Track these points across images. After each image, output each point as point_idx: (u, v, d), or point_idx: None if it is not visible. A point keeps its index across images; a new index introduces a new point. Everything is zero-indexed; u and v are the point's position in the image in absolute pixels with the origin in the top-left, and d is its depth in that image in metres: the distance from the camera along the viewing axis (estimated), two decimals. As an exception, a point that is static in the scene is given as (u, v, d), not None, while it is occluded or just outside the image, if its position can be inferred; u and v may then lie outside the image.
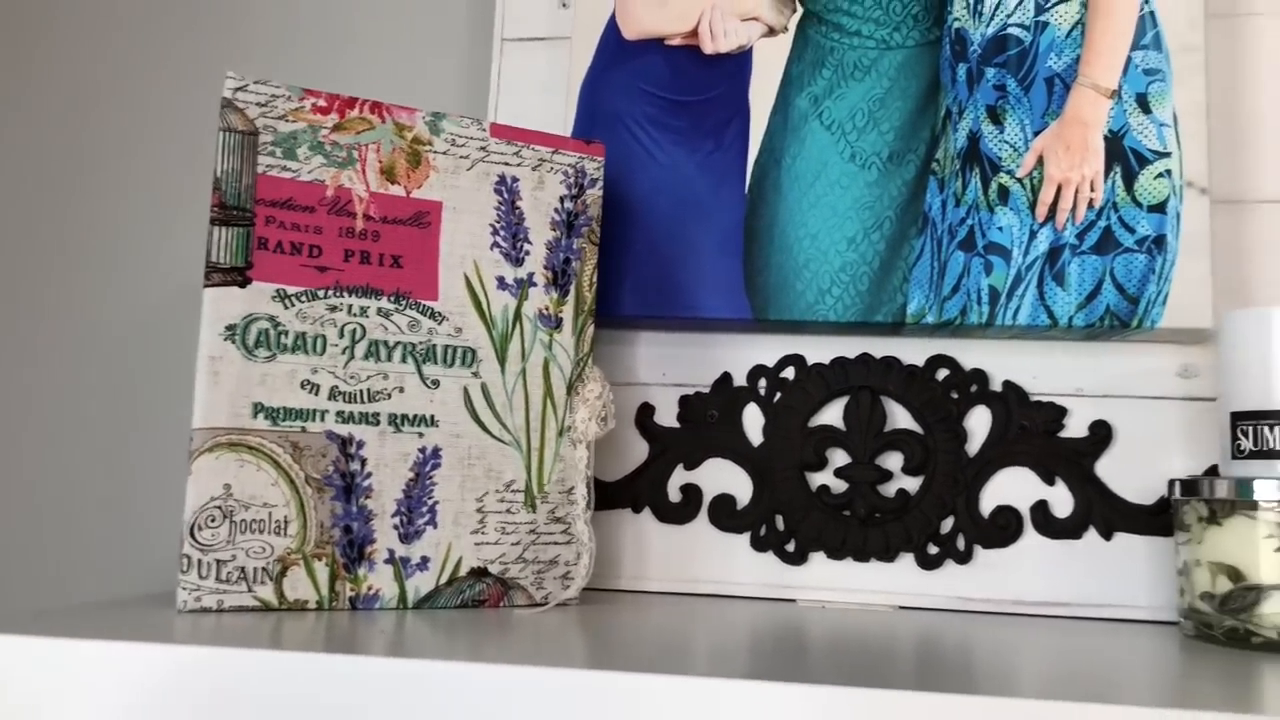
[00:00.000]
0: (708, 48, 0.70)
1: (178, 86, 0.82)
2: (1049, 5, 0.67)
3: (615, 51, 0.71)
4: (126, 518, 0.78)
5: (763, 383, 0.69)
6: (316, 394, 0.54)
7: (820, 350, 0.69)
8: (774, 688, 0.39)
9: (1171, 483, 0.57)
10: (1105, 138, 0.65)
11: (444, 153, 0.58)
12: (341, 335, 0.54)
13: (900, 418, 0.68)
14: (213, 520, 0.51)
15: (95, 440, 0.79)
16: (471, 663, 0.41)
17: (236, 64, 0.81)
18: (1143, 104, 0.65)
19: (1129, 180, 0.64)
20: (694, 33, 0.70)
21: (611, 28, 0.71)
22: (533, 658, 0.42)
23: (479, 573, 0.57)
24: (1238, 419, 0.55)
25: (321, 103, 0.55)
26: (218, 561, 0.51)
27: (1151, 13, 0.66)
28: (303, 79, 0.80)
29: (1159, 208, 0.64)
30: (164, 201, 0.81)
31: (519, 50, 0.75)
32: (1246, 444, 0.54)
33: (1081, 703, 0.38)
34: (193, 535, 0.51)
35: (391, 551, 0.55)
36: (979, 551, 0.65)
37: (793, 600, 0.67)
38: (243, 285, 0.53)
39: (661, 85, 0.70)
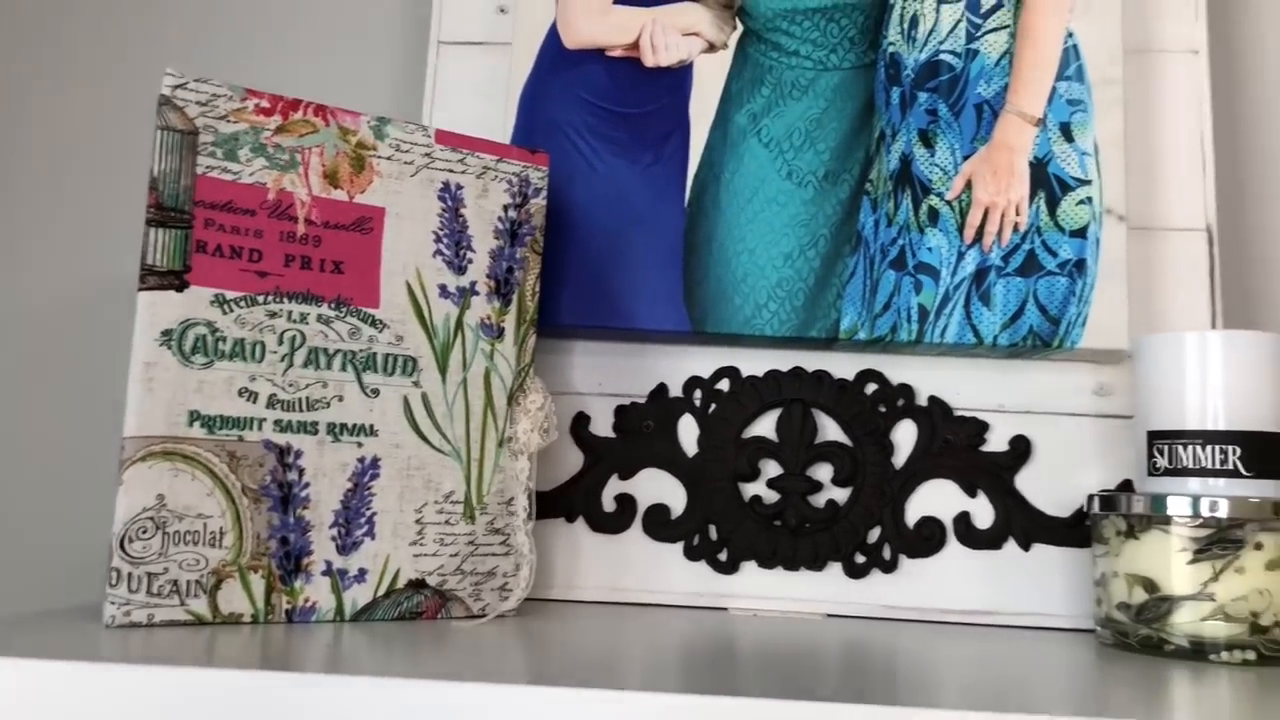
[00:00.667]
0: (649, 61, 0.70)
1: (108, 82, 0.79)
2: (980, 34, 0.69)
3: (556, 60, 0.71)
4: (50, 527, 0.75)
5: (698, 394, 0.70)
6: (254, 402, 0.52)
7: (754, 363, 0.70)
8: (707, 701, 0.40)
9: (1090, 498, 0.60)
10: (1030, 164, 0.67)
11: (388, 158, 0.57)
12: (281, 342, 0.53)
13: (830, 430, 0.69)
14: (144, 532, 0.49)
15: (21, 444, 0.75)
16: (408, 679, 0.41)
17: (166, 60, 0.78)
18: (1066, 133, 0.68)
19: (1052, 206, 0.67)
20: (635, 45, 0.70)
21: (553, 35, 0.71)
22: (469, 673, 0.42)
23: (417, 584, 0.56)
24: (1154, 438, 0.58)
25: (264, 104, 0.54)
26: (149, 574, 0.49)
27: (1075, 46, 0.69)
28: (235, 77, 0.78)
29: (1080, 233, 0.67)
30: (97, 199, 0.78)
31: (456, 54, 0.75)
32: (1162, 462, 0.57)
33: (1002, 713, 0.40)
34: (122, 547, 0.49)
35: (329, 563, 0.54)
36: (904, 561, 0.67)
37: (724, 609, 0.68)
38: (180, 289, 0.51)
39: (602, 96, 0.70)
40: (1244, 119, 0.76)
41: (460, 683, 0.40)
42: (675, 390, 0.70)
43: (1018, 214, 0.67)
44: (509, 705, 0.40)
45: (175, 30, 0.79)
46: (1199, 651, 0.53)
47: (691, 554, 0.68)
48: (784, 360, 0.70)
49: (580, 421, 0.70)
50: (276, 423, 0.53)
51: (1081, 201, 0.67)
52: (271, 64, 0.79)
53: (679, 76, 0.70)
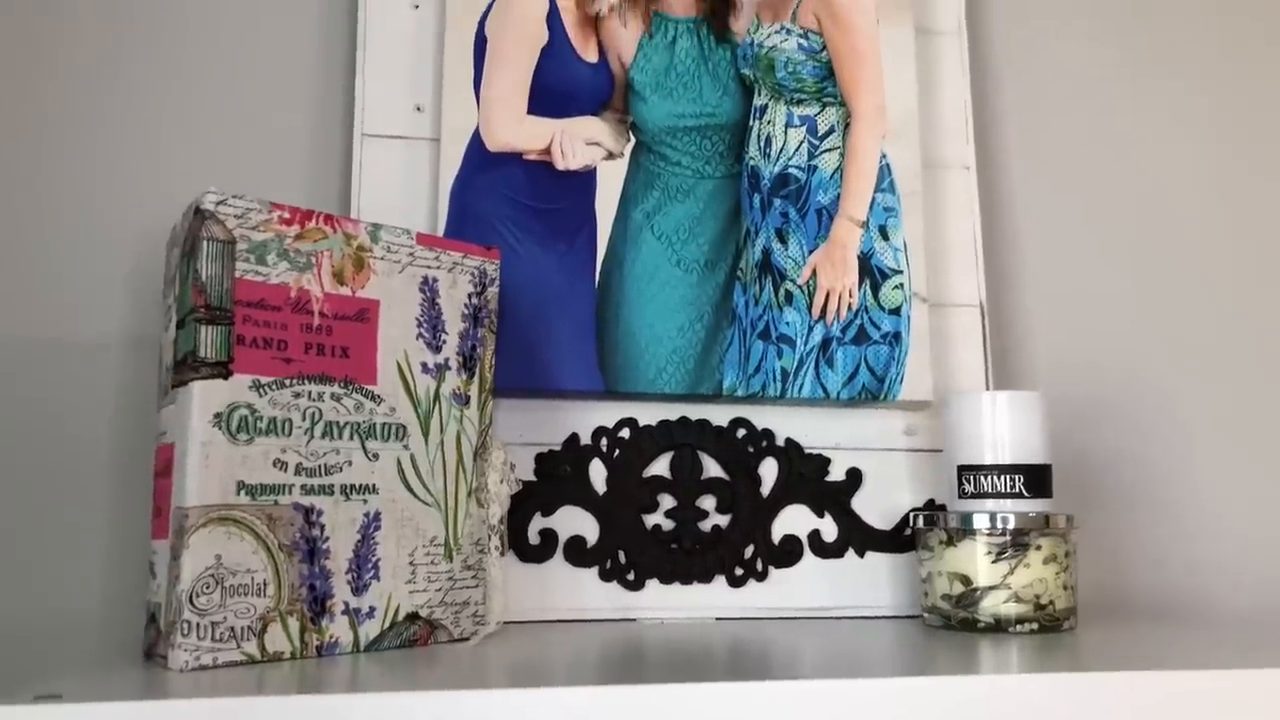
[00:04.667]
0: (559, 164, 0.84)
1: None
2: (818, 153, 0.88)
3: (481, 159, 0.83)
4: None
5: (604, 441, 0.84)
6: (285, 470, 0.62)
7: (649, 414, 0.85)
8: (623, 689, 0.53)
9: (915, 515, 0.80)
10: (859, 257, 0.87)
11: (381, 258, 0.67)
12: (304, 418, 0.63)
13: (712, 468, 0.85)
14: (207, 587, 0.58)
15: None
16: (417, 692, 0.52)
17: (97, 153, 0.83)
18: (883, 233, 0.88)
19: (875, 290, 0.87)
20: (547, 150, 0.84)
21: (477, 138, 0.83)
22: (461, 683, 0.54)
23: (412, 616, 0.67)
24: (961, 470, 0.78)
25: (286, 215, 0.63)
26: (212, 624, 0.58)
27: (888, 164, 0.89)
28: (170, 163, 0.84)
29: (896, 311, 0.87)
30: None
31: (379, 145, 0.85)
32: (968, 487, 0.77)
33: (854, 678, 0.56)
34: (191, 602, 0.57)
35: (346, 604, 0.64)
36: (772, 571, 0.85)
37: (634, 620, 0.82)
38: (226, 377, 0.60)
39: (521, 193, 0.83)
40: (1002, 216, 0.99)
41: (449, 691, 0.51)
42: (585, 439, 0.84)
43: (851, 296, 0.86)
44: (488, 706, 0.51)
45: (100, 121, 0.84)
46: (1000, 627, 0.74)
47: (605, 576, 0.82)
48: (671, 411, 0.85)
49: (507, 468, 0.82)
50: (302, 487, 0.62)
51: (896, 286, 0.87)
52: (197, 150, 0.85)
53: (586, 179, 0.84)
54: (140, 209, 0.82)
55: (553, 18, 0.85)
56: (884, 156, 0.89)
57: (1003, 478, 0.76)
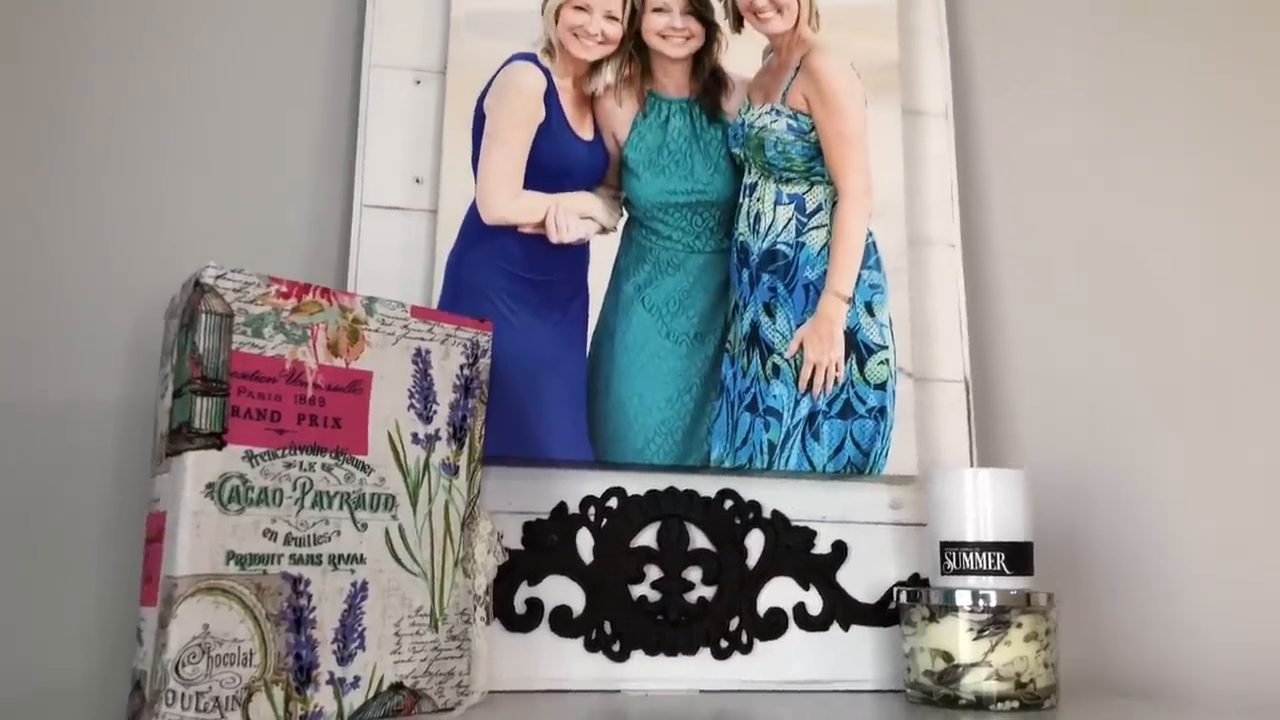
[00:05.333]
0: (553, 238, 0.86)
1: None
2: (806, 229, 0.90)
3: (477, 232, 0.85)
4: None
5: (592, 511, 0.85)
6: (275, 540, 0.62)
7: (637, 484, 0.86)
8: None
9: (897, 591, 0.80)
10: (845, 332, 0.88)
11: (376, 330, 0.69)
12: (294, 488, 0.64)
13: (699, 539, 0.86)
14: (194, 657, 0.58)
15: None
16: None
17: (100, 225, 0.85)
18: (869, 309, 0.90)
19: (861, 365, 0.88)
20: (542, 224, 0.86)
21: (473, 211, 0.85)
22: None
23: (396, 686, 0.67)
24: (944, 546, 0.79)
25: (283, 289, 0.65)
26: (197, 693, 0.58)
27: (874, 242, 0.91)
28: (167, 225, 0.85)
29: (881, 386, 0.88)
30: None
31: (377, 216, 0.87)
32: (951, 564, 0.78)
33: None
34: (177, 671, 0.58)
35: (331, 673, 0.64)
36: (757, 644, 0.85)
37: (619, 691, 0.82)
38: (219, 448, 0.61)
39: (516, 265, 0.85)
40: (986, 293, 1.01)
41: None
42: (574, 508, 0.85)
43: (837, 370, 0.88)
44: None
45: (110, 183, 0.86)
46: (982, 704, 0.74)
47: (591, 647, 0.82)
48: (659, 482, 0.86)
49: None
50: (291, 556, 0.63)
51: (882, 362, 0.89)
52: (201, 210, 0.87)
53: (579, 252, 0.86)
54: (141, 277, 0.83)
55: (550, 96, 0.87)
56: (870, 234, 0.91)
57: (985, 555, 0.77)
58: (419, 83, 0.89)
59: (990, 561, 0.77)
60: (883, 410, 0.88)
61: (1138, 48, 1.10)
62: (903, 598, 0.79)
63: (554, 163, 0.87)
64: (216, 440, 0.61)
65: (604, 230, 0.87)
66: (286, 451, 0.64)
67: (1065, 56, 1.08)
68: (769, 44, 0.92)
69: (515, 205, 0.86)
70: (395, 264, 0.86)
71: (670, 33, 0.89)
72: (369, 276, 0.84)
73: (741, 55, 0.91)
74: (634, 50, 0.89)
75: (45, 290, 0.83)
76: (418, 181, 0.88)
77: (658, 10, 0.89)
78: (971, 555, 0.77)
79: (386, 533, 0.68)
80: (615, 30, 0.88)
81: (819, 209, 0.90)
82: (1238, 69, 1.12)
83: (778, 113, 0.90)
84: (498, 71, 0.87)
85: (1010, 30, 1.07)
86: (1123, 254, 1.05)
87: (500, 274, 0.84)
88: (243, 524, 0.61)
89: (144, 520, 0.68)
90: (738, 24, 0.91)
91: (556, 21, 0.88)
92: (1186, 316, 1.05)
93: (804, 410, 0.87)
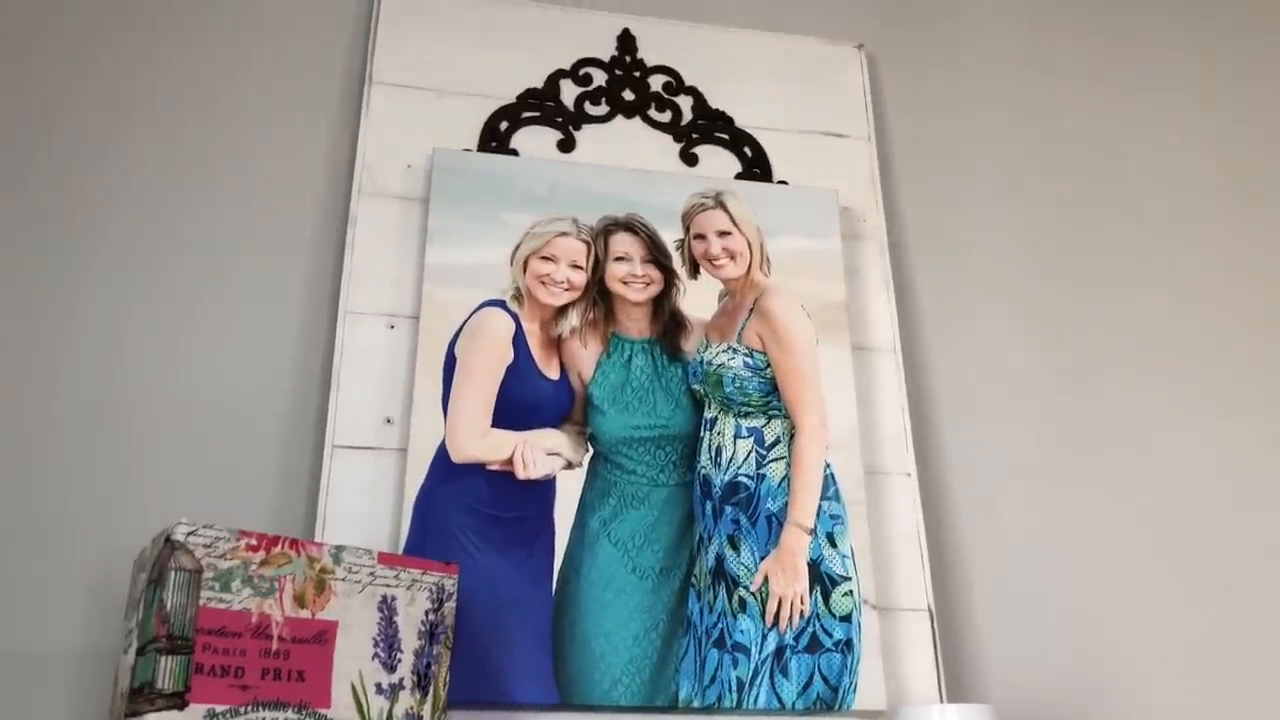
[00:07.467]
0: (520, 474, 0.88)
1: None
2: (766, 461, 0.93)
3: (445, 470, 0.87)
4: None
5: (559, 756, 0.83)
6: (232, 804, 0.61)
7: (605, 725, 0.85)
8: None
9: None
10: (809, 564, 0.90)
11: (343, 579, 0.70)
12: (255, 747, 0.63)
13: (668, 783, 0.84)
14: None
15: None
16: None
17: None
18: (830, 540, 0.91)
19: (826, 597, 0.89)
20: (509, 461, 0.88)
21: (442, 450, 0.87)
22: None
23: None
24: (917, 787, 0.78)
25: (253, 541, 0.66)
26: None
27: (832, 473, 0.94)
28: (139, 468, 0.87)
29: (846, 618, 0.89)
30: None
31: (348, 457, 0.89)
32: (924, 807, 0.77)
33: None
34: None
35: None
36: None
37: None
38: (181, 709, 0.60)
39: (483, 502, 0.86)
40: (947, 523, 1.03)
41: None
42: (540, 753, 0.83)
43: (803, 603, 0.89)
44: None
45: (84, 433, 0.88)
46: None
47: None
48: (628, 722, 0.85)
49: (459, 785, 0.81)
50: (248, 821, 0.61)
51: (846, 593, 0.90)
52: (171, 453, 0.89)
53: (546, 487, 0.88)
54: (109, 525, 0.84)
55: (518, 339, 0.92)
56: (828, 466, 0.94)
57: (957, 797, 0.76)
58: (392, 327, 0.93)
59: (963, 803, 0.76)
60: (849, 643, 0.88)
61: (1076, 285, 1.16)
62: (878, 843, 0.78)
63: (521, 401, 0.90)
64: (179, 700, 0.60)
65: (570, 465, 0.90)
66: (249, 709, 0.63)
67: (1005, 293, 1.15)
68: (724, 288, 0.97)
69: (483, 443, 0.88)
70: (364, 504, 0.87)
71: (631, 279, 0.95)
72: (338, 517, 0.85)
73: (698, 298, 0.97)
74: (598, 295, 0.94)
75: (14, 535, 0.83)
76: (388, 421, 0.91)
77: (620, 259, 0.95)
78: (944, 797, 0.76)
79: (347, 790, 0.66)
80: (580, 278, 0.94)
81: (778, 441, 0.93)
82: (1174, 313, 1.18)
83: (734, 351, 0.94)
84: (469, 316, 0.91)
85: (951, 270, 1.14)
86: (1079, 480, 1.08)
87: (468, 512, 0.86)
88: (200, 789, 0.60)
89: (96, 783, 0.66)
90: (694, 271, 0.97)
91: (525, 270, 0.93)
92: (1146, 540, 1.07)
93: (771, 645, 0.87)
